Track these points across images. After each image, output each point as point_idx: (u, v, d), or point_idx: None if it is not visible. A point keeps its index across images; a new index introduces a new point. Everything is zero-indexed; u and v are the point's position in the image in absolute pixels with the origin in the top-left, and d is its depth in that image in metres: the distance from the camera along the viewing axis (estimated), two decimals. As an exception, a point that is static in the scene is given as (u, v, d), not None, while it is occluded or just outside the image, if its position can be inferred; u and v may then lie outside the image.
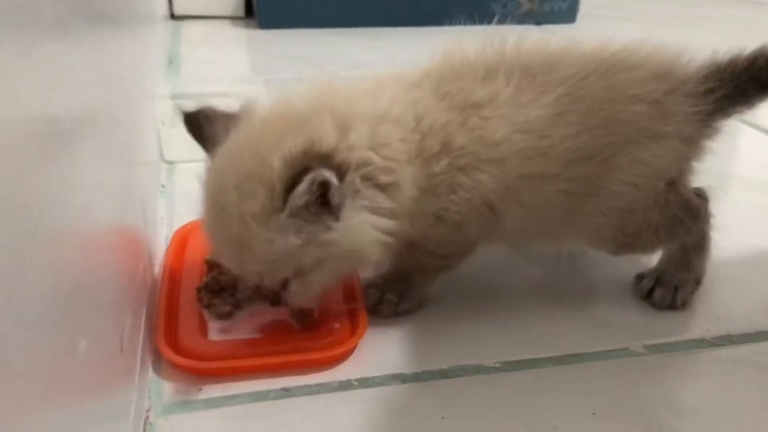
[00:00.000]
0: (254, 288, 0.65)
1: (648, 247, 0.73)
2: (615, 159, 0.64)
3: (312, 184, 0.54)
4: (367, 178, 0.58)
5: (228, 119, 0.61)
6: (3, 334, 0.27)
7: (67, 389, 0.36)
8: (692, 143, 0.67)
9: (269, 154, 0.55)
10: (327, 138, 0.56)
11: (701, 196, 0.73)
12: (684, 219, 0.69)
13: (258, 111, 0.61)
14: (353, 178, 0.57)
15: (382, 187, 0.58)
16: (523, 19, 1.85)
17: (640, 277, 0.74)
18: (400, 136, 0.60)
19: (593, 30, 1.89)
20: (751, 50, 0.65)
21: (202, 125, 0.62)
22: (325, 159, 0.55)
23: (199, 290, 0.68)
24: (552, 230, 0.69)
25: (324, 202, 0.55)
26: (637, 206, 0.66)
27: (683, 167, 0.68)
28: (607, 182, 0.65)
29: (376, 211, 0.58)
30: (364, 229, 0.58)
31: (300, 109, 0.59)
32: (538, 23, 1.90)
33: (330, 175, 0.54)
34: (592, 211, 0.66)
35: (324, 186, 0.54)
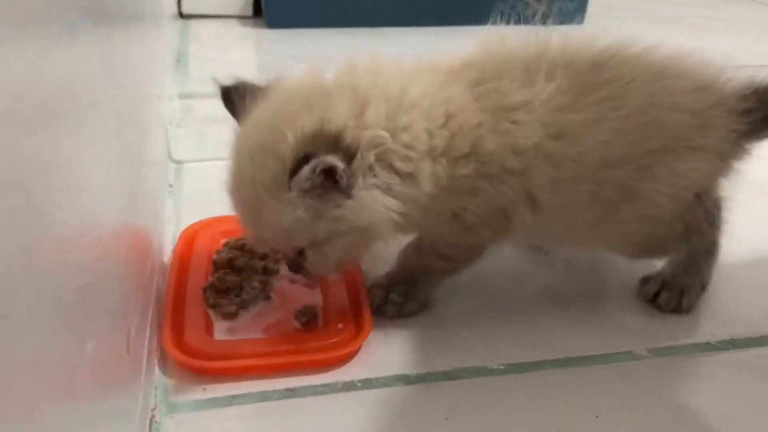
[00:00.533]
0: (275, 252, 0.68)
1: (663, 253, 0.73)
2: (653, 168, 0.63)
3: (313, 171, 0.54)
4: (381, 159, 0.57)
5: (261, 93, 0.63)
6: (12, 335, 0.27)
7: (74, 389, 0.37)
8: (725, 161, 0.66)
9: (285, 128, 0.56)
10: (339, 116, 0.56)
11: (717, 204, 0.72)
12: (701, 228, 0.69)
13: (286, 83, 0.62)
14: (365, 157, 0.56)
15: (399, 173, 0.58)
16: (530, 19, 1.85)
17: (645, 281, 0.74)
18: (426, 128, 0.59)
19: (601, 31, 1.89)
20: None
21: (235, 100, 0.64)
22: (334, 140, 0.55)
23: (205, 290, 0.68)
24: (581, 234, 0.69)
25: (334, 181, 0.56)
26: (666, 216, 0.66)
27: (713, 182, 0.68)
28: (644, 191, 0.64)
29: (388, 191, 0.58)
30: (375, 207, 0.58)
31: (325, 84, 0.60)
32: (546, 23, 1.89)
33: (334, 160, 0.54)
34: (626, 218, 0.66)
35: (330, 169, 0.55)
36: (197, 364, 0.60)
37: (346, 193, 0.56)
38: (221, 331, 0.65)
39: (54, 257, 0.34)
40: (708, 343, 0.68)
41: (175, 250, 0.74)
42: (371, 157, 0.57)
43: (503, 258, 0.79)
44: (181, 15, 1.83)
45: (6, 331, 0.27)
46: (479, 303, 0.72)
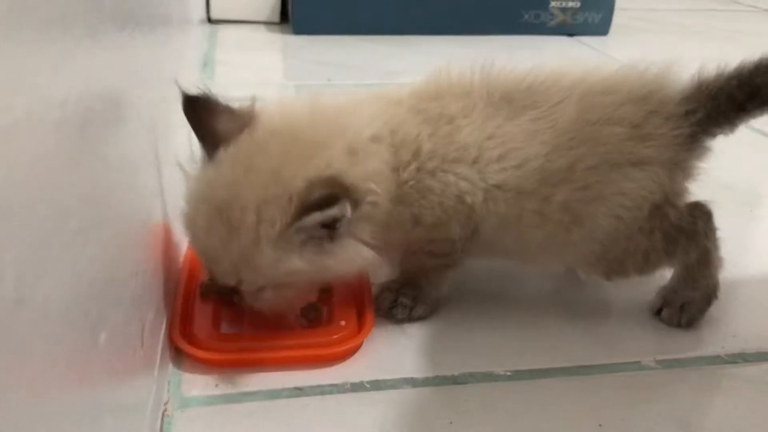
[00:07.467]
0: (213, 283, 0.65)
1: (640, 271, 0.71)
2: (596, 187, 0.64)
3: (342, 210, 0.55)
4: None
5: (231, 116, 0.61)
6: (26, 322, 0.29)
7: (86, 379, 0.38)
8: (676, 167, 0.66)
9: (292, 179, 0.56)
10: (345, 168, 0.58)
11: (699, 211, 0.70)
12: (677, 240, 0.68)
13: (264, 122, 0.61)
14: (361, 209, 0.58)
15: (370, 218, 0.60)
16: (555, 30, 1.85)
17: (657, 294, 0.74)
18: (384, 158, 0.61)
19: (625, 42, 1.88)
20: (729, 69, 0.65)
21: (201, 113, 0.60)
22: (346, 190, 0.56)
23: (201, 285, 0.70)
24: (534, 252, 0.69)
25: (326, 227, 0.57)
26: (618, 236, 0.66)
27: (669, 191, 0.66)
28: (590, 215, 0.65)
29: (364, 240, 0.60)
30: (354, 257, 0.60)
31: (312, 131, 0.60)
32: (571, 35, 1.89)
33: (349, 208, 0.56)
34: (578, 241, 0.66)
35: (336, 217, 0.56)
36: (202, 356, 0.62)
37: (334, 239, 0.58)
38: (227, 324, 0.67)
39: (71, 248, 0.35)
40: (717, 356, 0.68)
41: (189, 244, 0.76)
42: (368, 208, 0.59)
43: (513, 265, 0.80)
44: (210, 20, 1.87)
45: (21, 317, 0.28)
46: (488, 308, 0.73)
